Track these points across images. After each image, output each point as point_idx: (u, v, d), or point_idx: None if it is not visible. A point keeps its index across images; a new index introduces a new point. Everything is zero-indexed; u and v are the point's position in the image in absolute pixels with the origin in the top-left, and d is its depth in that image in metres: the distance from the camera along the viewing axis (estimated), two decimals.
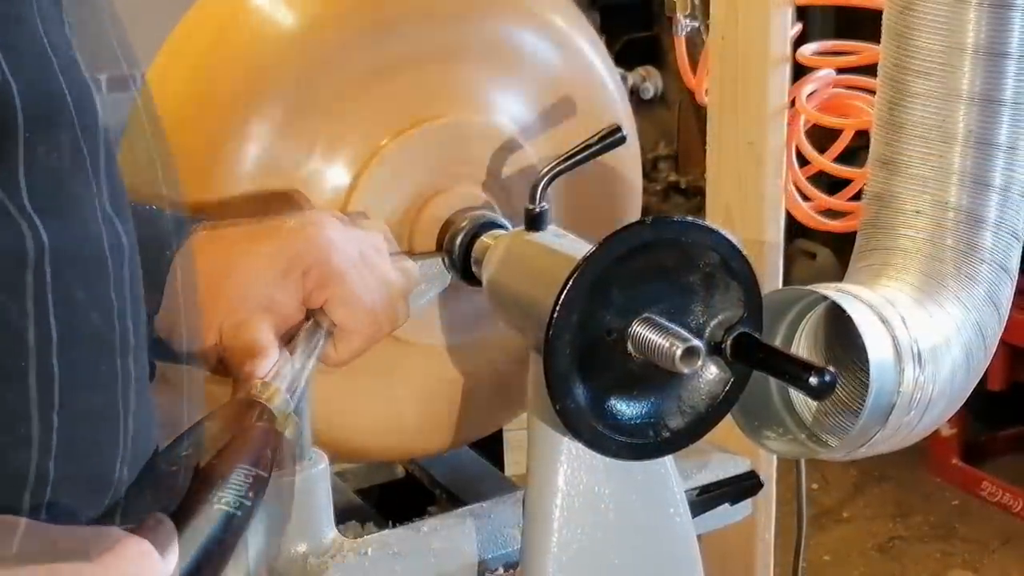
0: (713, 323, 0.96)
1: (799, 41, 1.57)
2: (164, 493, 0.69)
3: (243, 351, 0.87)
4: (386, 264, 1.00)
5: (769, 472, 1.57)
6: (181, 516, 0.69)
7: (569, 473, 1.01)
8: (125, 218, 0.63)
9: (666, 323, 0.93)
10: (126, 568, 0.62)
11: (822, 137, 1.59)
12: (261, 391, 0.83)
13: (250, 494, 0.72)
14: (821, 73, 1.56)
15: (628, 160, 1.45)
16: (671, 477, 1.06)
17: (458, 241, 1.22)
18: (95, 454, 0.66)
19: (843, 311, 1.14)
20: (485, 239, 1.20)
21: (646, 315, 0.94)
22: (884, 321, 1.15)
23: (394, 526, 1.22)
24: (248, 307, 0.90)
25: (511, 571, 1.19)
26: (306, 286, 0.92)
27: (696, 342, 0.91)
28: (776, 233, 1.51)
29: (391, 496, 1.59)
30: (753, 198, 1.49)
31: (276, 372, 0.85)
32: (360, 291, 0.94)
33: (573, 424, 0.94)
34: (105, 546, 0.60)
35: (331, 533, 1.16)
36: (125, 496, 0.64)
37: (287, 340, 0.92)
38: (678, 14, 1.65)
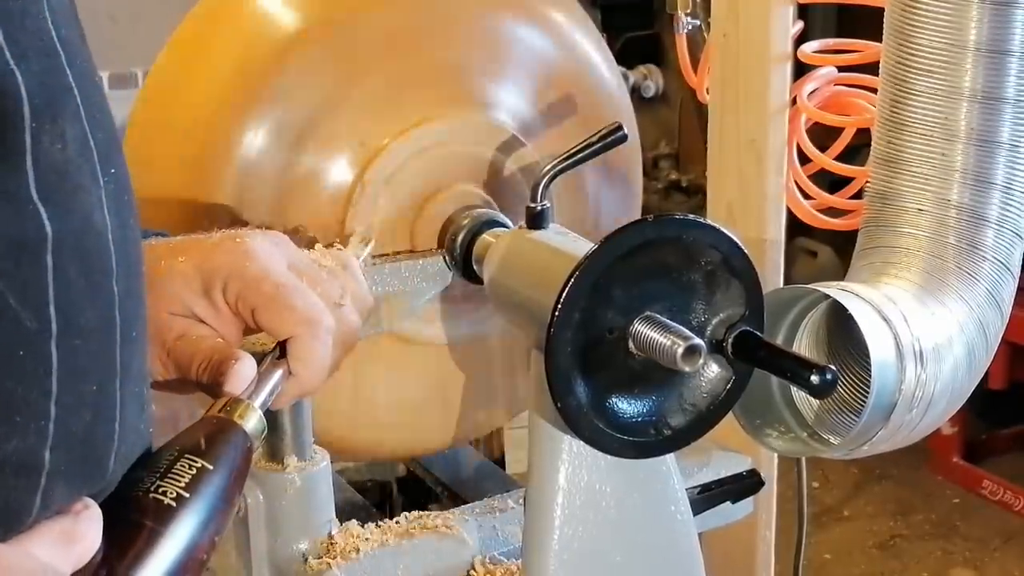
0: (715, 321, 0.96)
1: (800, 39, 1.57)
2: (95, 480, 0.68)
3: (190, 358, 0.85)
4: (335, 280, 0.94)
5: (770, 470, 1.57)
6: (112, 503, 0.68)
7: (570, 471, 1.01)
8: (56, 205, 0.62)
9: (667, 321, 0.93)
10: (42, 551, 0.62)
11: (823, 135, 1.59)
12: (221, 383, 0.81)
13: (191, 486, 0.70)
14: (822, 71, 1.56)
15: (629, 158, 1.45)
16: (672, 475, 1.06)
17: (459, 239, 1.22)
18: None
19: (845, 310, 1.14)
20: (486, 237, 1.20)
21: (647, 313, 0.94)
22: (886, 319, 1.15)
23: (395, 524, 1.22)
24: (180, 322, 0.87)
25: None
26: (229, 300, 0.88)
27: (697, 340, 0.91)
28: (777, 231, 1.51)
29: (392, 494, 1.59)
30: (754, 196, 1.49)
31: (237, 370, 0.82)
32: (287, 296, 0.87)
33: (574, 422, 0.94)
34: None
35: (332, 531, 1.16)
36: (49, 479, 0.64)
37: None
38: (679, 12, 1.65)
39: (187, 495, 0.70)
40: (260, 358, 0.87)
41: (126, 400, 0.68)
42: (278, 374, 0.86)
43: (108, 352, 0.66)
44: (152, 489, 0.70)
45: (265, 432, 0.81)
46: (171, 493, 0.70)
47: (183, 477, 0.71)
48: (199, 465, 0.72)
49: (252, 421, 0.79)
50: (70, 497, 0.65)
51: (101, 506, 0.67)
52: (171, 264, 0.89)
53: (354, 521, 1.18)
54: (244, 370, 0.83)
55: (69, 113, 0.64)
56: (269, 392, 0.84)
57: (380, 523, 1.20)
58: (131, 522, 0.68)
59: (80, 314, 0.64)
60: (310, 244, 1.06)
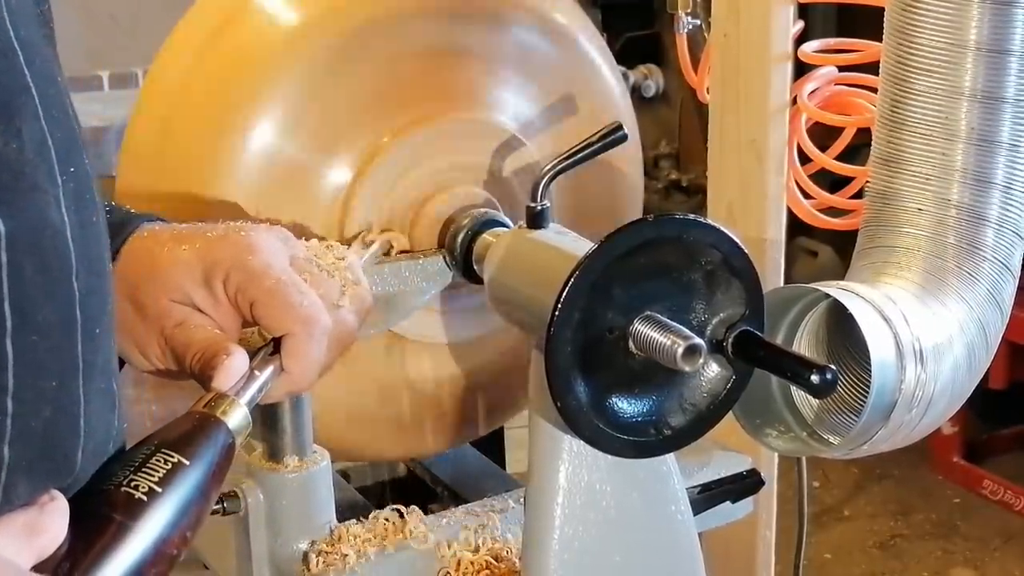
0: (715, 321, 0.96)
1: (801, 39, 1.57)
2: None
3: (186, 348, 0.85)
4: (334, 279, 0.94)
5: (770, 470, 1.57)
6: (83, 496, 0.68)
7: (570, 471, 1.01)
8: (9, 204, 0.62)
9: (668, 321, 0.93)
10: (4, 543, 0.63)
11: (824, 135, 1.59)
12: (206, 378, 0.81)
13: (165, 480, 0.70)
14: (823, 71, 1.56)
15: (629, 158, 1.45)
16: (672, 475, 1.06)
17: (459, 239, 1.22)
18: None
19: (845, 309, 1.14)
20: (486, 237, 1.20)
21: (647, 313, 0.94)
22: (886, 319, 1.15)
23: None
24: (180, 310, 0.87)
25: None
26: (229, 292, 0.88)
27: (697, 340, 0.91)
28: (778, 231, 1.51)
29: (393, 493, 1.59)
30: (755, 196, 1.49)
31: (228, 365, 0.82)
32: (287, 293, 0.87)
33: (574, 422, 0.94)
34: None
35: (332, 531, 1.16)
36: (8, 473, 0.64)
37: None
38: (679, 12, 1.65)
39: (159, 490, 0.70)
40: (255, 352, 0.87)
41: (91, 396, 0.68)
42: (269, 370, 0.86)
43: (68, 349, 0.67)
44: (124, 483, 0.69)
45: (250, 428, 0.81)
46: (143, 487, 0.69)
47: (157, 472, 0.71)
48: (175, 460, 0.72)
49: (236, 417, 0.79)
50: (35, 492, 0.65)
51: (73, 499, 0.67)
52: (174, 251, 0.89)
53: (354, 521, 1.18)
54: (235, 365, 0.82)
55: (27, 113, 0.64)
56: (258, 388, 0.84)
57: (379, 522, 1.20)
58: (100, 515, 0.68)
59: (37, 311, 0.64)
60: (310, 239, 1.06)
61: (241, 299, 0.87)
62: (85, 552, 0.66)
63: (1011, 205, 1.22)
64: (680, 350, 0.90)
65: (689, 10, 1.65)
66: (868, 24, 1.45)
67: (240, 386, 0.82)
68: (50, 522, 0.65)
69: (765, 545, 1.62)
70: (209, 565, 1.29)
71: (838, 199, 1.59)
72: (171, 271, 0.88)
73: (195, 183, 1.22)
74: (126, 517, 0.68)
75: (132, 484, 0.69)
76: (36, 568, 0.65)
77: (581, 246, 1.02)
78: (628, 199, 1.46)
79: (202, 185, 1.22)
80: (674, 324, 0.93)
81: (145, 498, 0.69)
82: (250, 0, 1.27)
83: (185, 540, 0.71)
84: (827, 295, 1.18)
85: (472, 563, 1.17)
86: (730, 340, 0.95)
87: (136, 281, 0.88)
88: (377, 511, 1.22)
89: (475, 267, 1.21)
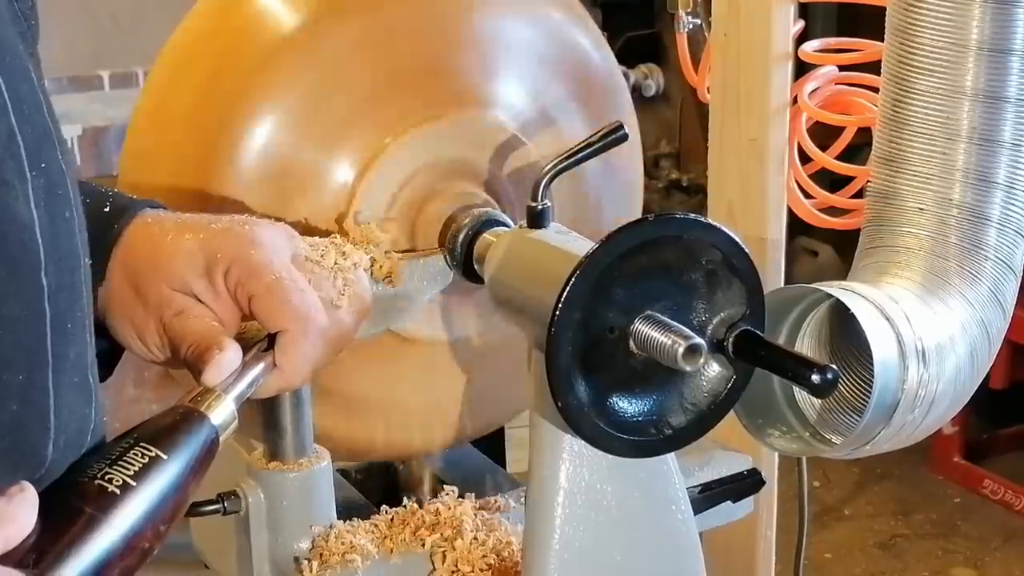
0: (715, 320, 0.96)
1: (801, 38, 1.57)
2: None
3: (182, 338, 0.85)
4: (335, 278, 0.95)
5: (771, 470, 1.57)
6: (57, 488, 0.68)
7: (571, 470, 1.01)
8: None
9: (668, 320, 0.93)
10: None
11: (824, 134, 1.59)
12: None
13: (140, 474, 0.70)
14: (823, 70, 1.56)
15: (630, 158, 1.44)
16: (673, 474, 1.05)
17: (460, 238, 1.22)
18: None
19: (847, 309, 1.14)
20: (487, 236, 1.20)
21: (648, 312, 0.94)
22: (888, 319, 1.15)
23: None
24: (180, 299, 0.87)
25: None
26: (229, 285, 0.87)
27: (698, 340, 0.91)
28: (778, 230, 1.51)
29: (393, 493, 1.59)
30: (755, 195, 1.49)
31: (219, 360, 0.81)
32: (285, 290, 0.87)
33: (575, 421, 0.94)
34: None
35: (333, 529, 1.16)
36: None
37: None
38: (680, 11, 1.65)
39: (134, 483, 0.69)
40: (250, 346, 0.87)
41: (62, 390, 0.68)
42: (261, 366, 0.85)
43: (36, 343, 0.67)
44: (98, 476, 0.69)
45: (236, 423, 0.80)
46: (117, 480, 0.69)
47: (132, 465, 0.70)
48: (152, 454, 0.71)
49: (222, 413, 0.78)
50: (3, 484, 0.65)
51: (46, 491, 0.67)
52: (177, 240, 0.88)
53: (355, 520, 1.18)
54: (226, 359, 0.82)
55: None
56: (248, 384, 0.83)
57: (380, 520, 1.20)
58: (71, 508, 0.68)
59: (2, 305, 0.64)
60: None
61: (240, 293, 0.87)
62: (52, 543, 0.66)
63: (1013, 204, 1.22)
64: (681, 350, 0.90)
65: (689, 10, 1.65)
66: (869, 23, 1.45)
67: (230, 381, 0.81)
68: (17, 512, 0.65)
69: (765, 545, 1.62)
70: (209, 565, 1.29)
71: (839, 198, 1.59)
72: (173, 259, 0.87)
73: (196, 183, 1.22)
74: (96, 510, 0.68)
75: (106, 477, 0.69)
76: (1, 558, 0.64)
77: (582, 246, 1.02)
78: (628, 199, 1.46)
79: (203, 185, 1.22)
80: (675, 324, 0.93)
81: (118, 491, 0.69)
82: (251, 1, 1.27)
83: (159, 534, 0.71)
84: (829, 295, 1.18)
85: (473, 563, 1.17)
86: (731, 340, 0.95)
87: (137, 267, 0.87)
88: (377, 510, 1.22)
89: (475, 267, 1.20)
